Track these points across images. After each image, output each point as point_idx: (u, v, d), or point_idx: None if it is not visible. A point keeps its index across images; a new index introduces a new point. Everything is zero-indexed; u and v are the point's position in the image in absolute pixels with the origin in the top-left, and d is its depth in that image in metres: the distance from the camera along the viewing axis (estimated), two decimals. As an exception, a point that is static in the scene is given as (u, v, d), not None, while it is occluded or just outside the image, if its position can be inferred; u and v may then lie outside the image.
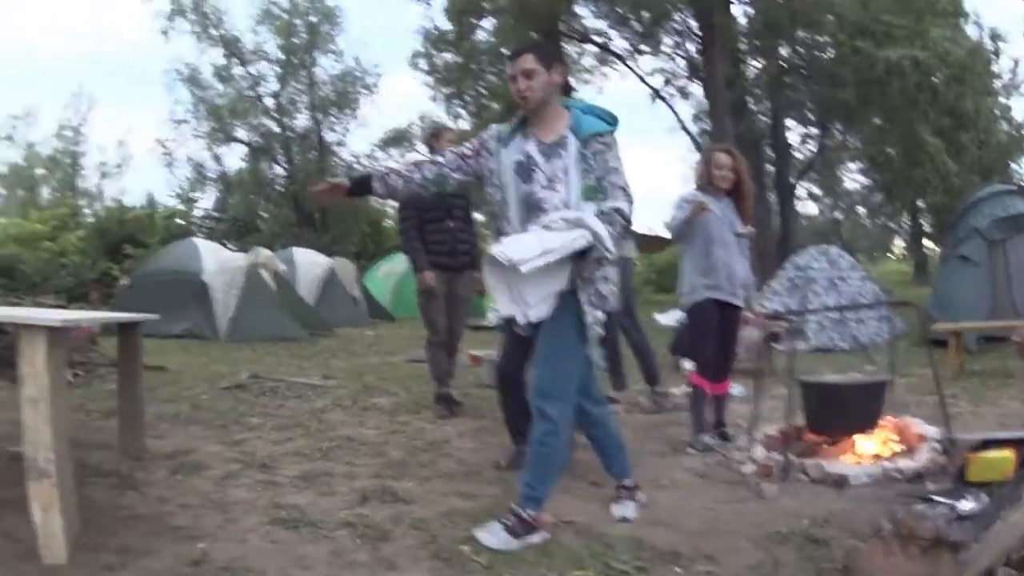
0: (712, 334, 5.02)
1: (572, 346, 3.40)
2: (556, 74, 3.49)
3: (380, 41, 47.56)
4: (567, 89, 4.28)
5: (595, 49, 27.20)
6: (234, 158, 35.46)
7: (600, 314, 3.43)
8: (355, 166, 34.06)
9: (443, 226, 6.10)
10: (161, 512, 3.74)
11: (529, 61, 3.42)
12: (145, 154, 73.20)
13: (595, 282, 3.39)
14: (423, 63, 28.89)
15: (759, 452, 4.59)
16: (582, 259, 3.29)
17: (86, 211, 41.99)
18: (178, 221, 31.78)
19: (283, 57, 33.44)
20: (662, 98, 26.73)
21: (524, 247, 3.16)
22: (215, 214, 33.99)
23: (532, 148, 3.46)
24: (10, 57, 70.98)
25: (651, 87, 26.75)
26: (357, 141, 80.00)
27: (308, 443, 5.31)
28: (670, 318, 11.05)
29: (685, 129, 27.98)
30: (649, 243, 28.53)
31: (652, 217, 66.75)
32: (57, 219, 34.11)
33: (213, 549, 3.25)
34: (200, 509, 3.79)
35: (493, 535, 3.32)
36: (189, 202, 34.42)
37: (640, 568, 3.11)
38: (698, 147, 27.63)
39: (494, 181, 3.52)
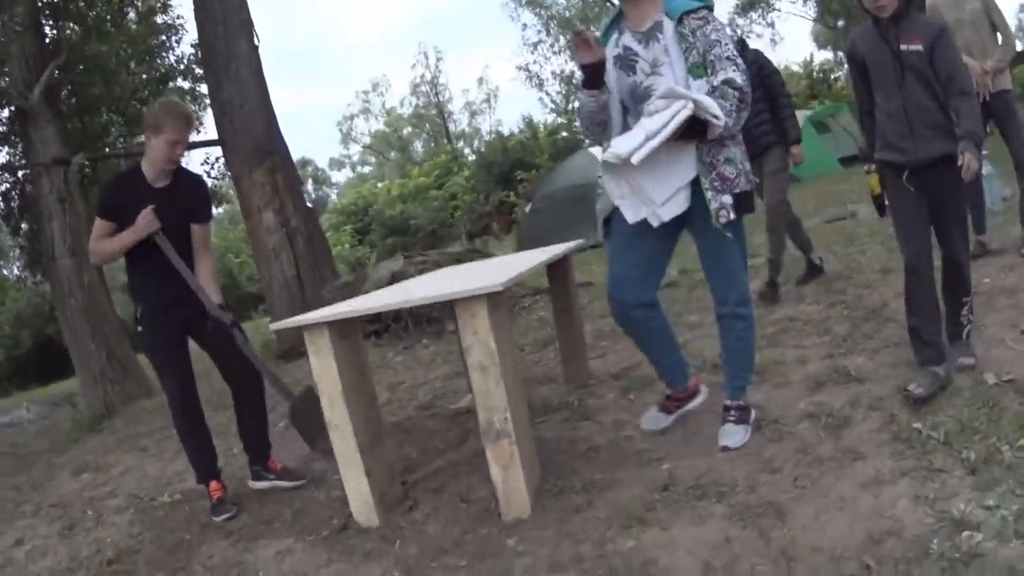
0: None
1: (730, 240, 3.37)
2: None
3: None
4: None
5: None
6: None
7: (727, 198, 3.28)
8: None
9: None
10: (619, 438, 3.81)
11: None
12: (509, 84, 76.64)
13: (717, 166, 3.28)
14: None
15: None
16: (702, 140, 3.20)
17: (466, 151, 45.20)
18: (562, 135, 32.93)
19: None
20: None
21: (629, 140, 3.13)
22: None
23: (628, 39, 3.37)
24: (347, 36, 77.29)
25: None
26: (723, 17, 77.59)
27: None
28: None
29: None
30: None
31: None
32: (439, 167, 37.48)
33: (679, 468, 3.27)
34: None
35: (734, 436, 3.43)
36: (568, 113, 35.38)
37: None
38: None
39: None
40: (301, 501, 4.05)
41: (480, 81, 51.20)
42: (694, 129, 3.16)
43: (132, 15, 12.72)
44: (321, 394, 3.35)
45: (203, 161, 13.49)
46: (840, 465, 2.98)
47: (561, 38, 34.22)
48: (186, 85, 13.55)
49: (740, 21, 33.32)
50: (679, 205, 3.32)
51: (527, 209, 15.95)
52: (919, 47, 3.50)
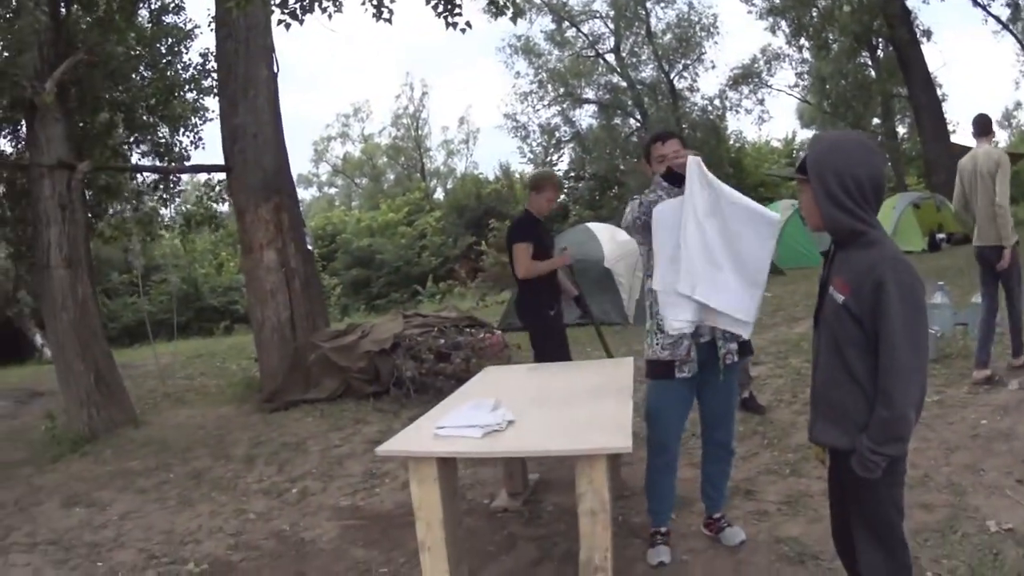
0: None
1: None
2: None
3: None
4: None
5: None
6: (585, 117, 35.75)
7: (733, 345, 4.05)
8: (707, 109, 33.21)
9: None
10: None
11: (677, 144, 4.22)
12: (490, 128, 77.04)
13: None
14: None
15: None
16: None
17: (437, 190, 45.69)
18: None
19: (614, 12, 33.40)
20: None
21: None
22: (574, 174, 34.85)
23: None
24: (336, 57, 76.84)
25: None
26: (706, 84, 77.43)
27: (773, 457, 5.35)
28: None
29: (1011, 32, 27.64)
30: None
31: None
32: (410, 204, 37.57)
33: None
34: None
35: (740, 533, 4.23)
36: (547, 166, 35.55)
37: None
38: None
39: None
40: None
41: (461, 121, 50.71)
42: None
43: (144, 13, 12.19)
44: (418, 519, 3.52)
45: (204, 183, 12.94)
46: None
47: (550, 90, 34.22)
48: (191, 96, 13.05)
49: (731, 94, 32.99)
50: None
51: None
52: (841, 297, 2.46)
